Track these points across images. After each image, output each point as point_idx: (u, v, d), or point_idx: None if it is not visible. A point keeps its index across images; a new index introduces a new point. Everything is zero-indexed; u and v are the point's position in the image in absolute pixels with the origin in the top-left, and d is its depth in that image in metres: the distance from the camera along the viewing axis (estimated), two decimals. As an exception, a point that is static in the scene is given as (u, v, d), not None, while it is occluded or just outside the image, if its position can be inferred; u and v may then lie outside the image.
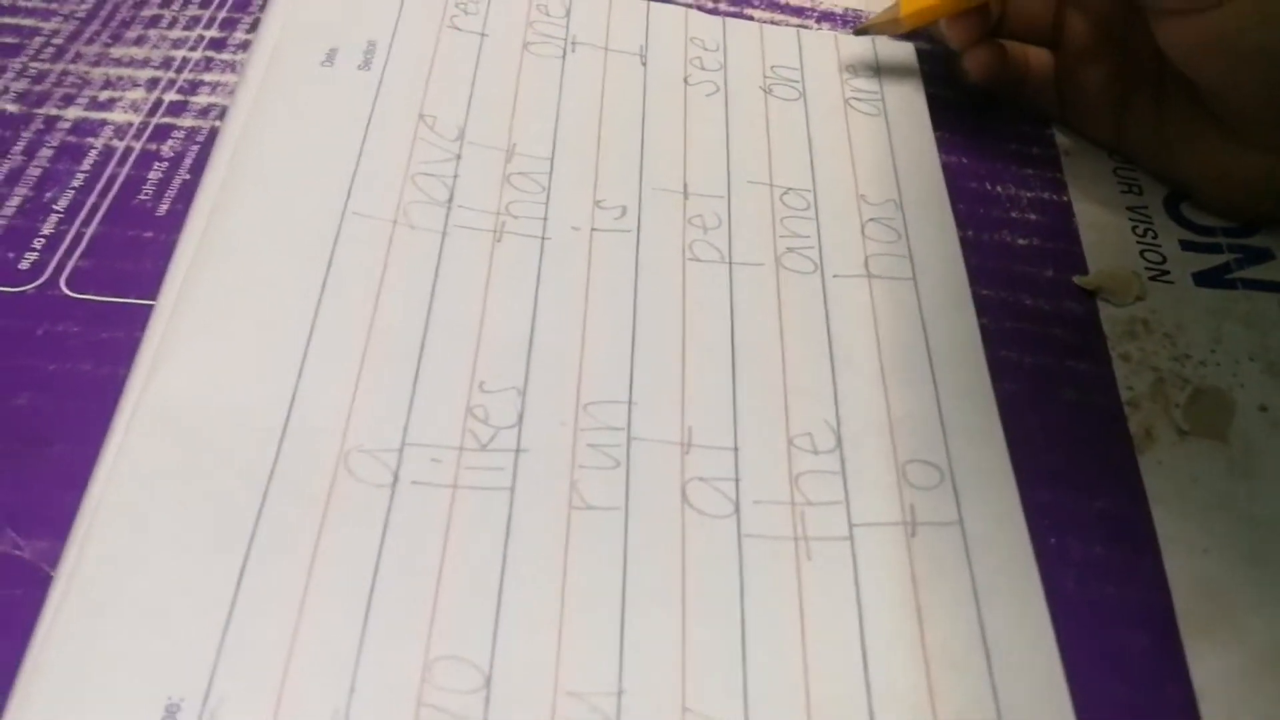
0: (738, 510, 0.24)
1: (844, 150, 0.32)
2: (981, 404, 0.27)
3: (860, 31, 0.35)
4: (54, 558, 0.22)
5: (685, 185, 0.31)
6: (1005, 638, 0.23)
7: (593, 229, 0.29)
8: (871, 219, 0.31)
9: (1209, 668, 0.24)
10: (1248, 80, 0.28)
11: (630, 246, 0.29)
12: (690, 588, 0.23)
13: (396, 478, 0.24)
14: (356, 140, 0.30)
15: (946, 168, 0.33)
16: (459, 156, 0.30)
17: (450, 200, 0.29)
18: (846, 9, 0.38)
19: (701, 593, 0.23)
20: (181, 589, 0.22)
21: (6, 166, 0.30)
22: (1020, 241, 0.32)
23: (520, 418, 0.25)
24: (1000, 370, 0.28)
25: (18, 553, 0.22)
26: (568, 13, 0.35)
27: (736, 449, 0.25)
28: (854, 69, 0.35)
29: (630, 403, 0.26)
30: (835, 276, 0.29)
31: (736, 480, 0.25)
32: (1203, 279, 0.31)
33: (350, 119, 0.30)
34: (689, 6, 0.37)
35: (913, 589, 0.24)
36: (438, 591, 0.23)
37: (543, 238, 0.29)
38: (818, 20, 0.37)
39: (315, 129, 0.30)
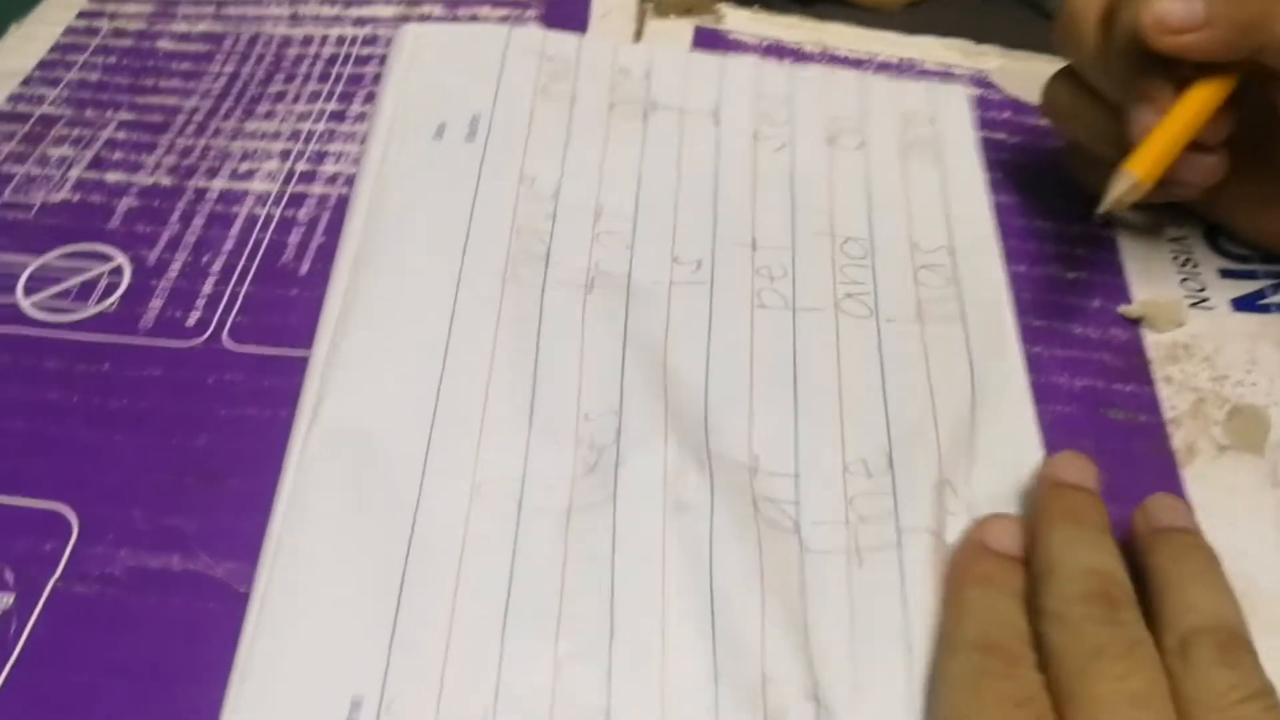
0: (798, 530, 0.28)
1: (900, 198, 0.36)
2: (1023, 435, 0.30)
3: (1104, 217, 0.32)
4: (241, 576, 0.26)
5: (754, 239, 0.34)
6: None
7: (671, 282, 0.33)
8: (924, 266, 0.34)
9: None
10: None
11: (704, 297, 0.32)
12: (767, 584, 0.27)
13: (520, 505, 0.28)
14: (467, 205, 0.34)
15: (998, 207, 0.36)
16: (554, 216, 0.34)
17: (548, 256, 0.33)
18: (901, 59, 0.41)
19: (773, 589, 0.27)
20: (354, 601, 0.26)
21: (167, 235, 0.34)
22: (1069, 275, 0.35)
23: (618, 435, 0.29)
24: (1052, 394, 0.31)
25: (211, 572, 0.27)
26: (647, 74, 0.39)
27: (797, 475, 0.29)
28: (910, 116, 0.38)
29: (706, 427, 0.29)
30: (889, 321, 0.32)
31: (797, 503, 0.28)
32: (1241, 304, 0.34)
33: (461, 186, 0.34)
34: (759, 53, 0.40)
35: None
36: (561, 597, 0.26)
37: (628, 290, 0.32)
38: (875, 70, 0.41)
39: (432, 197, 0.34)
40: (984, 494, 0.29)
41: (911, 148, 0.37)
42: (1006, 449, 0.30)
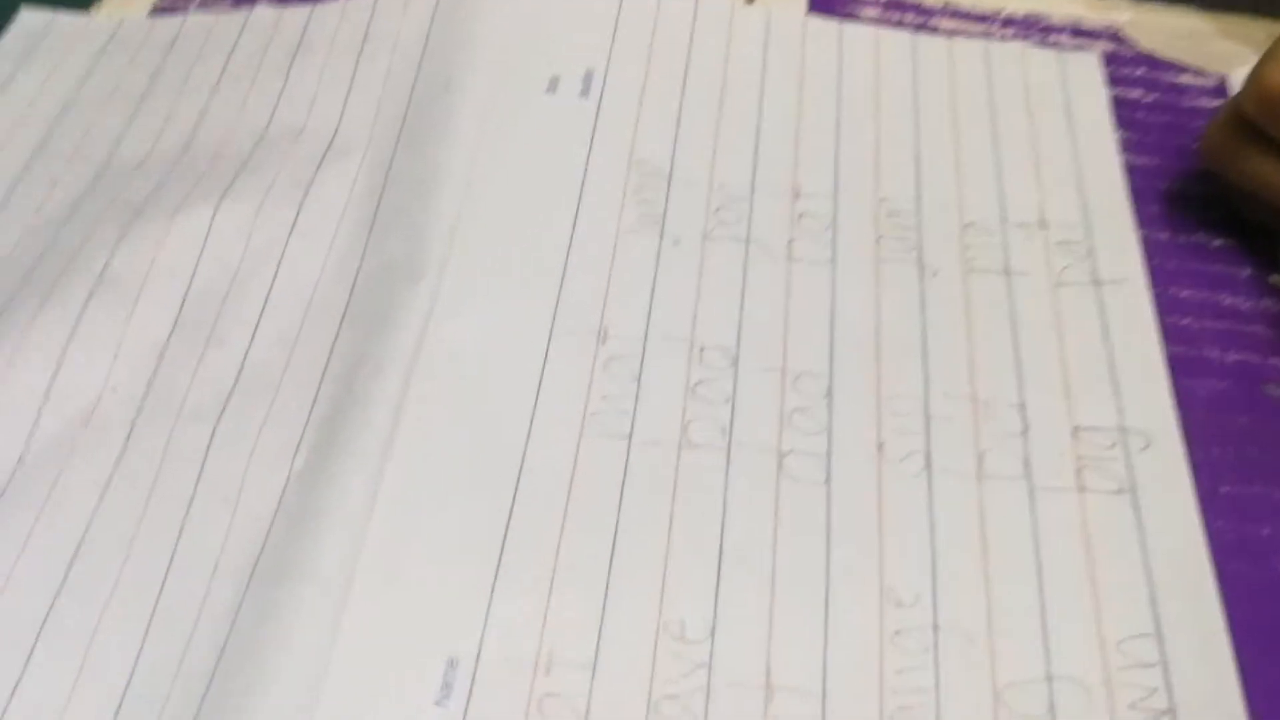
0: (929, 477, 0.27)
1: (1030, 171, 0.33)
2: (1163, 421, 0.28)
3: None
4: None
5: (877, 209, 0.32)
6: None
7: (790, 239, 0.31)
8: (1059, 242, 0.32)
9: None
10: None
11: (827, 259, 0.31)
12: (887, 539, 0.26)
13: (631, 436, 0.27)
14: (580, 164, 0.32)
15: (1132, 170, 0.34)
16: (669, 184, 0.32)
17: (664, 219, 0.31)
18: (1028, 14, 0.39)
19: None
20: (456, 554, 0.25)
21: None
22: (1214, 242, 0.32)
23: (735, 384, 0.28)
24: (1204, 368, 0.29)
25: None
26: (764, 42, 0.37)
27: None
28: (1040, 88, 0.36)
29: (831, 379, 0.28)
30: (1020, 274, 0.31)
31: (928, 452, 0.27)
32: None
33: (574, 144, 0.33)
34: (879, 8, 0.38)
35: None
36: (668, 551, 0.25)
37: (746, 249, 0.31)
38: (1001, 27, 0.38)
39: (543, 152, 0.33)
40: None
41: (1041, 120, 0.35)
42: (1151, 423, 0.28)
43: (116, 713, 0.23)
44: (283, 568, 0.25)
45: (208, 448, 0.27)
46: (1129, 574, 0.25)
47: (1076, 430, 0.28)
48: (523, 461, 0.26)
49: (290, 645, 0.23)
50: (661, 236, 0.31)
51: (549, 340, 0.28)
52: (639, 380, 0.28)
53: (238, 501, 0.25)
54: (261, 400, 0.27)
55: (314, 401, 0.27)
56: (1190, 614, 0.25)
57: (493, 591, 0.25)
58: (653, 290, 0.30)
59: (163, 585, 0.24)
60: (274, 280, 0.29)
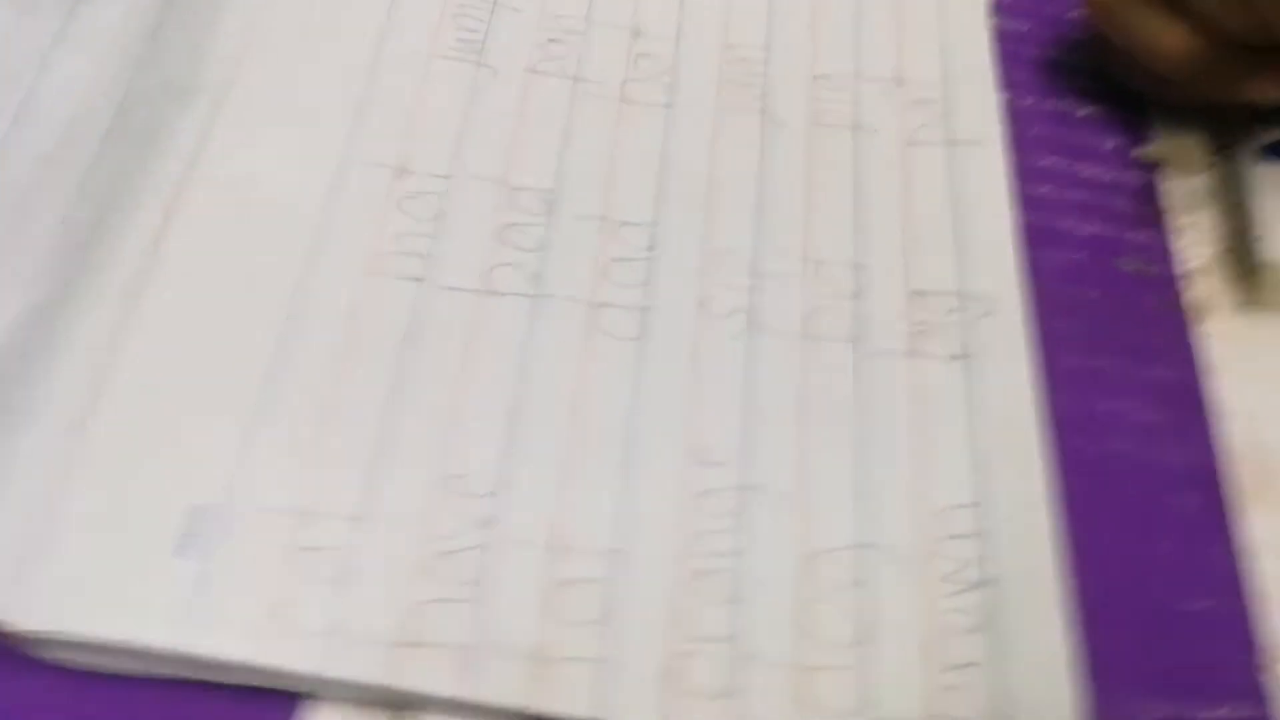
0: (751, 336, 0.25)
1: (892, 21, 0.31)
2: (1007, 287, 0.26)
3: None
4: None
5: (726, 44, 0.30)
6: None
7: (625, 80, 0.28)
8: (915, 100, 0.29)
9: (1263, 529, 0.23)
10: None
11: (663, 104, 0.28)
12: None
13: (424, 279, 0.24)
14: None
15: (1004, 33, 0.32)
16: (494, 9, 0.29)
17: (484, 47, 0.28)
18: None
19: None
20: (204, 391, 0.22)
21: None
22: (1080, 111, 0.31)
23: (548, 231, 0.25)
24: (1058, 240, 0.28)
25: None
26: None
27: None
28: None
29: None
30: (870, 130, 0.28)
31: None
32: (1272, 151, 0.30)
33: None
34: None
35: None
36: (454, 402, 0.23)
37: (574, 86, 0.28)
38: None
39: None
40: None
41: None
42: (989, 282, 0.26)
43: None
44: (6, 407, 0.22)
45: None
46: (954, 443, 0.24)
47: (915, 294, 0.26)
48: (294, 299, 0.24)
49: (9, 491, 0.21)
50: (479, 66, 0.28)
51: (338, 172, 0.25)
52: (440, 221, 0.25)
53: None
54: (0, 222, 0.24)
55: (62, 225, 0.24)
56: (1014, 487, 0.23)
57: (247, 435, 0.22)
58: (464, 124, 0.27)
59: None
60: (31, 92, 0.25)
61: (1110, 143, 0.30)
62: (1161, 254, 0.28)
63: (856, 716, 0.20)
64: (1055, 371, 0.25)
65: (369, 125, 0.26)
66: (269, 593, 0.20)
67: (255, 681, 0.20)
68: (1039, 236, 0.27)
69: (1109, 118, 0.30)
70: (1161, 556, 0.23)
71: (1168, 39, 0.27)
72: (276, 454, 0.22)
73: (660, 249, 0.25)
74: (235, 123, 0.26)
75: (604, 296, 0.25)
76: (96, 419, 0.22)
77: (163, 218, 0.24)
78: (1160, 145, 0.30)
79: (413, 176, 0.26)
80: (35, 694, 0.20)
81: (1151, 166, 0.29)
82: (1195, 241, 0.28)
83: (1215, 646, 0.22)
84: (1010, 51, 0.31)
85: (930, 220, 0.27)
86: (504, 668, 0.20)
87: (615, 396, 0.23)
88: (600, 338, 0.24)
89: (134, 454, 0.21)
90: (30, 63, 0.26)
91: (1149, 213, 0.29)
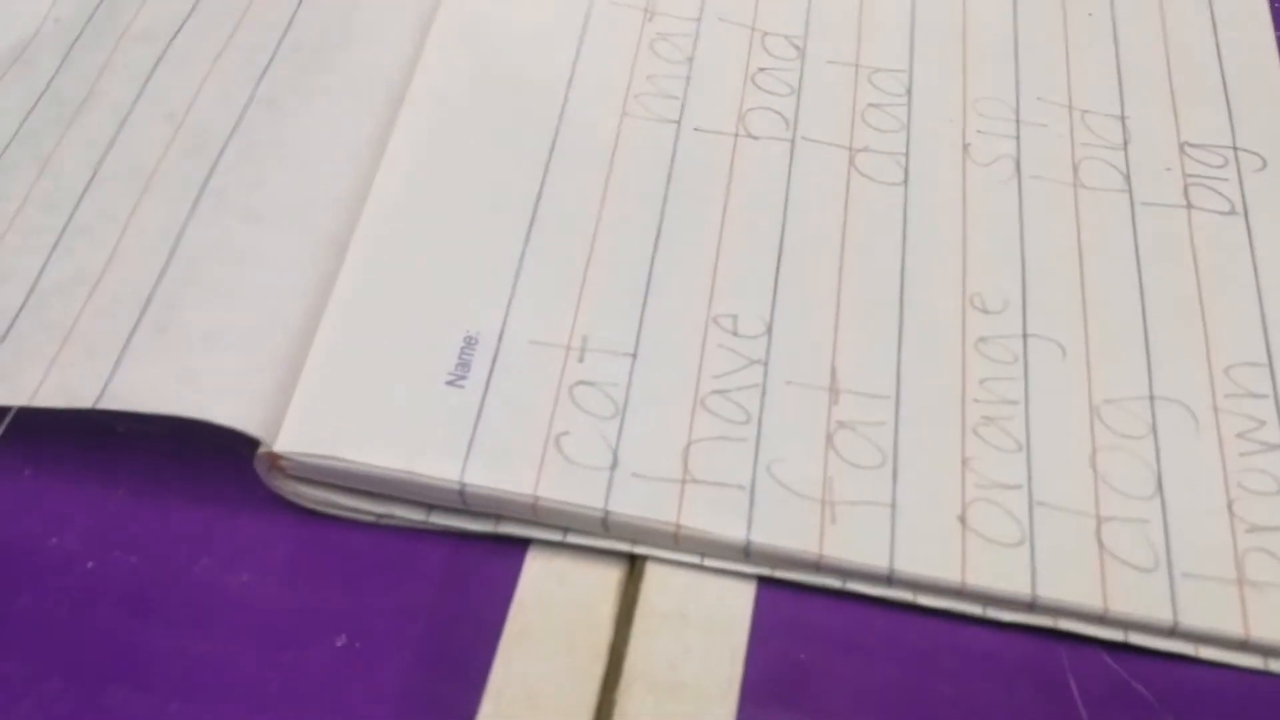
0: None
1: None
2: None
3: None
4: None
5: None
6: None
7: None
8: None
9: None
10: None
11: None
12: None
13: (680, 121, 0.23)
14: None
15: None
16: None
17: None
18: None
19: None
20: (478, 227, 0.22)
21: None
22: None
23: (801, 75, 0.24)
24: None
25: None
26: None
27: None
28: None
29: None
30: None
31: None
32: None
33: None
34: None
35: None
36: (720, 244, 0.22)
37: None
38: None
39: None
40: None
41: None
42: None
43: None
44: (234, 194, 0.21)
45: (155, 66, 0.23)
46: (1240, 299, 0.22)
47: (1184, 146, 0.24)
48: (555, 137, 0.23)
49: (248, 287, 0.20)
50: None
51: (588, 11, 0.25)
52: (690, 63, 0.24)
53: (183, 120, 0.22)
54: (225, 25, 0.23)
55: (288, 28, 0.23)
56: None
57: (520, 268, 0.21)
58: None
59: (80, 199, 0.21)
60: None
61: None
62: None
63: (1156, 570, 0.19)
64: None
65: None
66: (545, 426, 0.20)
67: (522, 515, 0.19)
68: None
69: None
70: None
71: None
72: (548, 286, 0.21)
73: (916, 94, 0.24)
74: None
75: (862, 140, 0.23)
76: (356, 241, 0.21)
77: (415, 43, 0.23)
78: None
79: (662, 17, 0.25)
80: (266, 535, 0.20)
81: None
82: None
83: None
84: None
85: (1195, 71, 0.25)
86: (790, 509, 0.19)
87: (884, 241, 0.22)
88: (863, 182, 0.23)
89: (406, 284, 0.21)
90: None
91: None
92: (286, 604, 0.19)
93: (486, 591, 0.19)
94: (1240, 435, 0.21)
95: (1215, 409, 0.21)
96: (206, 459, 0.20)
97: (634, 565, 0.19)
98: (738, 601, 0.19)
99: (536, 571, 0.19)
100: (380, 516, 0.19)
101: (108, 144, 0.22)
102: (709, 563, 0.19)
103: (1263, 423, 0.21)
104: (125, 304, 0.20)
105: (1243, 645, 0.19)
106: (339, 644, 0.19)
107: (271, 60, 0.23)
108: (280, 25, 0.23)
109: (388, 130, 0.22)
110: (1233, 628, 0.19)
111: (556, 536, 0.19)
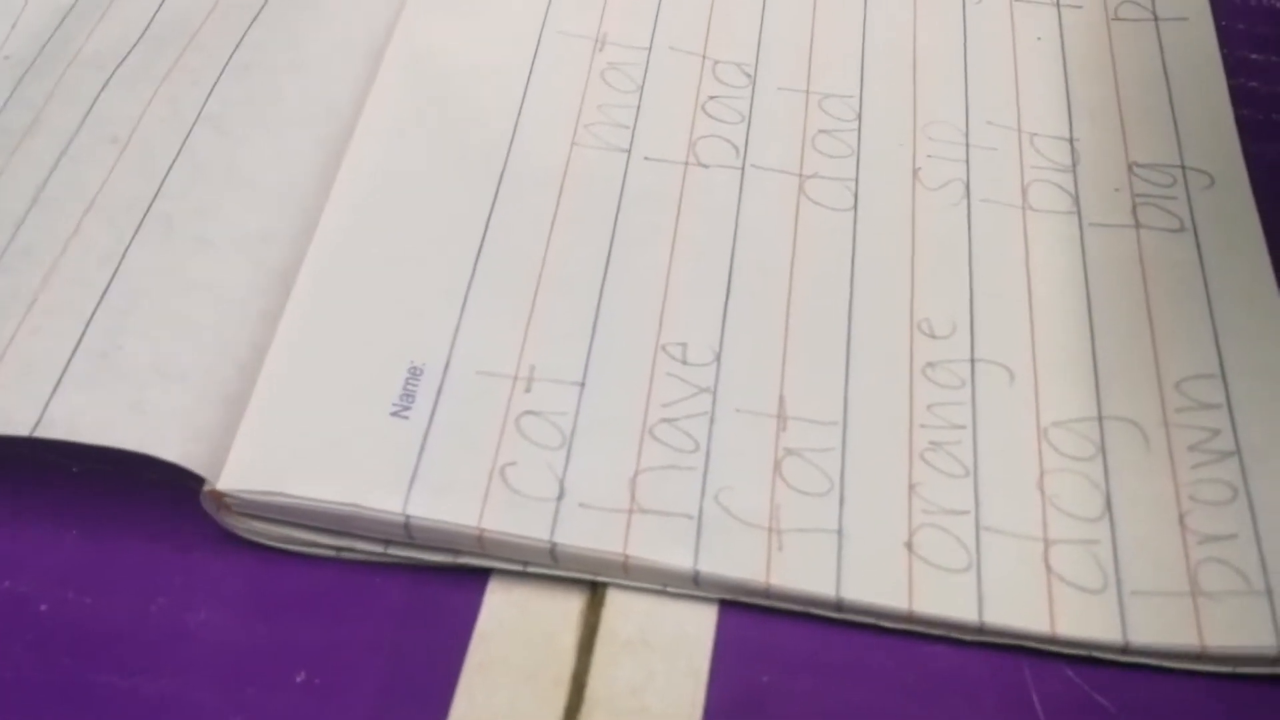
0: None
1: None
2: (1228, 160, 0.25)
3: None
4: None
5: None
6: None
7: None
8: None
9: None
10: None
11: None
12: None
13: (630, 150, 0.24)
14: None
15: None
16: None
17: None
18: None
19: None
20: (423, 256, 0.22)
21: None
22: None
23: (751, 103, 0.24)
24: (1271, 132, 0.26)
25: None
26: None
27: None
28: None
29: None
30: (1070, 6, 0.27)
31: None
32: None
33: None
34: None
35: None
36: (669, 272, 0.22)
37: None
38: None
39: None
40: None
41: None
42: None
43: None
44: (181, 220, 0.21)
45: (101, 90, 0.23)
46: (1190, 312, 0.22)
47: (1133, 166, 0.24)
48: (505, 166, 0.23)
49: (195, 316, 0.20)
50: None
51: (538, 42, 0.25)
52: (641, 92, 0.24)
53: (128, 142, 0.22)
54: (172, 48, 0.23)
55: (235, 48, 0.23)
56: (1257, 354, 0.22)
57: (466, 297, 0.21)
58: None
59: (22, 220, 0.21)
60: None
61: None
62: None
63: (1105, 591, 0.19)
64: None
65: None
66: (491, 457, 0.20)
67: (469, 548, 0.19)
68: (1250, 128, 0.26)
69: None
70: None
71: None
72: (495, 316, 0.21)
73: (867, 119, 0.24)
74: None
75: (812, 167, 0.24)
76: (304, 271, 0.21)
77: (366, 74, 0.23)
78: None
79: (612, 47, 0.25)
80: (223, 571, 0.20)
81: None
82: None
83: None
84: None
85: (1142, 91, 0.25)
86: (737, 538, 0.19)
87: (832, 268, 0.22)
88: (812, 209, 0.23)
89: (352, 316, 0.21)
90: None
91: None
92: (245, 641, 0.19)
93: (448, 623, 0.19)
94: (1192, 448, 0.21)
95: (1166, 424, 0.21)
96: (160, 493, 0.20)
97: (595, 592, 0.19)
98: (699, 625, 0.19)
99: (498, 602, 0.19)
100: (339, 550, 0.19)
101: (50, 167, 0.22)
102: (671, 588, 0.19)
103: (1216, 431, 0.21)
104: (64, 323, 0.20)
105: (1199, 657, 0.19)
106: (299, 680, 0.18)
107: (218, 80, 0.23)
108: (228, 48, 0.23)
109: (337, 159, 0.22)
110: (1188, 640, 0.19)
111: (517, 567, 0.19)
